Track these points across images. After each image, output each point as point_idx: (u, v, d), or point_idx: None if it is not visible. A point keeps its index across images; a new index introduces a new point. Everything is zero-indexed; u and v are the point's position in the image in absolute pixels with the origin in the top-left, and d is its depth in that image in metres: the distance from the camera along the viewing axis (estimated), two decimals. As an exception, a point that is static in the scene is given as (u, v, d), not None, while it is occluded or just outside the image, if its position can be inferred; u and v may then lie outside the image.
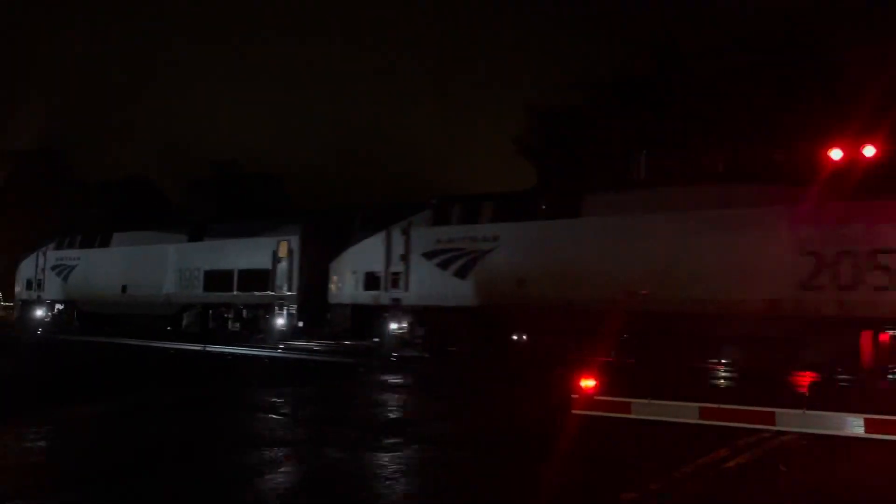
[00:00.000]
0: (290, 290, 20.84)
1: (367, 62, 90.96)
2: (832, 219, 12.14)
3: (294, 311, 20.82)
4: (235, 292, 22.26)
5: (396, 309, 17.84)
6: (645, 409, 7.63)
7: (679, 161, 16.19)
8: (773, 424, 7.68)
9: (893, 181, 11.96)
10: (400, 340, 17.90)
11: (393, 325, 17.92)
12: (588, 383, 7.89)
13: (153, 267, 24.33)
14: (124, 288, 25.10)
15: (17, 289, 29.95)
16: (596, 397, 7.87)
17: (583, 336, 14.46)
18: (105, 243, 26.47)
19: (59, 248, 27.98)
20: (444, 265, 16.97)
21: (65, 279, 27.50)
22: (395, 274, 17.73)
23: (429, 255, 17.24)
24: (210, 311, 23.30)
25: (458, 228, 17.04)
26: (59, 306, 28.24)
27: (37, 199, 58.19)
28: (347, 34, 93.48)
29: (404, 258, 17.60)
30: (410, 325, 17.67)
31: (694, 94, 28.16)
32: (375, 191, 53.89)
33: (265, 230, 21.82)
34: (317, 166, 69.21)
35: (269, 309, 21.21)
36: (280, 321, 20.96)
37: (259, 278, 21.38)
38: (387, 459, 7.61)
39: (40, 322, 28.01)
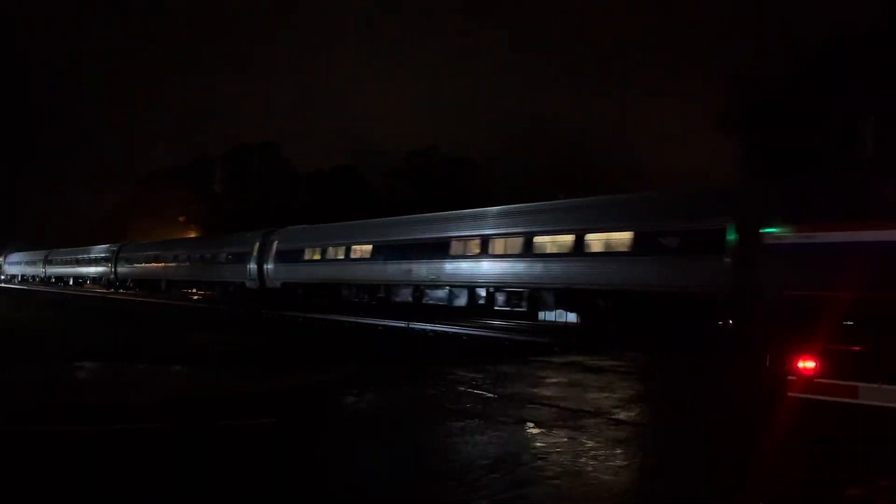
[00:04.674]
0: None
1: (544, 42, 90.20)
2: None
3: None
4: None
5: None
6: (876, 395, 6.86)
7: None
8: None
9: None
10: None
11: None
12: (807, 364, 7.25)
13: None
14: None
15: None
16: (816, 379, 7.21)
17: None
18: None
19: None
20: None
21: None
22: None
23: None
24: None
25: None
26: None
27: (259, 187, 64.32)
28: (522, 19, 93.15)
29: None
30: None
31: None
32: (574, 171, 53.49)
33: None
34: (514, 152, 69.97)
35: None
36: None
37: None
38: (584, 440, 7.56)
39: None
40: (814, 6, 50.17)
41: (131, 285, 47.87)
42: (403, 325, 20.39)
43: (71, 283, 59.65)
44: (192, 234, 61.03)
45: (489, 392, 10.41)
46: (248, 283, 32.61)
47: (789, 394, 7.31)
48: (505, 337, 17.77)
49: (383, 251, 26.02)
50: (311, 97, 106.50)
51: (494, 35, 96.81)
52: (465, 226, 23.39)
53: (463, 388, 10.68)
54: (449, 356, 14.40)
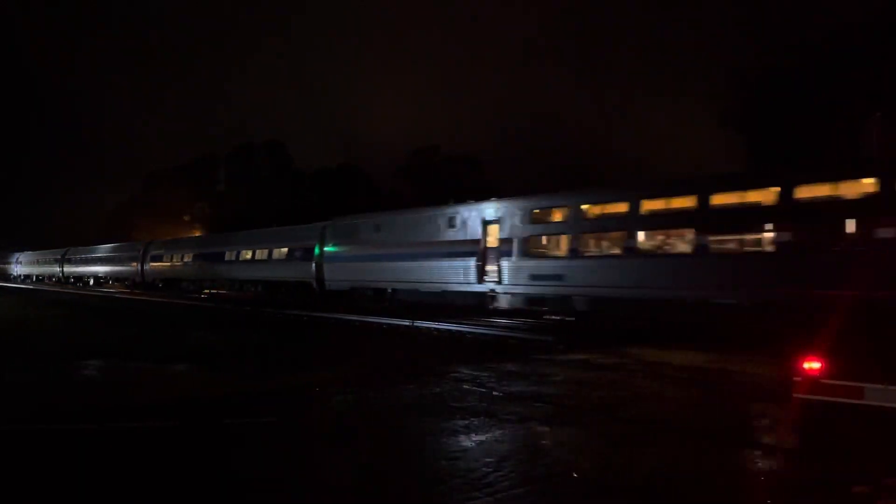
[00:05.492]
0: None
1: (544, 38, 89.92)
2: None
3: None
4: None
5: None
6: (882, 396, 6.82)
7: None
8: None
9: None
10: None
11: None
12: (813, 365, 7.21)
13: None
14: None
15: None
16: (822, 380, 7.17)
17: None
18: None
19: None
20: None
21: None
22: None
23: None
24: None
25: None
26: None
27: (263, 185, 64.38)
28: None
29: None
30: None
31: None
32: (577, 169, 53.43)
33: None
34: (517, 150, 69.85)
35: None
36: None
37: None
38: (587, 437, 7.54)
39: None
40: (814, 6, 49.99)
41: (73, 281, 62.59)
42: (408, 323, 20.41)
43: (34, 279, 72.46)
44: (196, 233, 61.29)
45: (494, 390, 10.41)
46: (136, 279, 50.56)
47: (794, 395, 7.28)
48: (509, 335, 17.78)
49: (198, 257, 42.21)
50: (313, 96, 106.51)
51: (496, 34, 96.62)
52: (228, 242, 39.35)
53: (467, 386, 10.68)
54: (452, 354, 14.38)
